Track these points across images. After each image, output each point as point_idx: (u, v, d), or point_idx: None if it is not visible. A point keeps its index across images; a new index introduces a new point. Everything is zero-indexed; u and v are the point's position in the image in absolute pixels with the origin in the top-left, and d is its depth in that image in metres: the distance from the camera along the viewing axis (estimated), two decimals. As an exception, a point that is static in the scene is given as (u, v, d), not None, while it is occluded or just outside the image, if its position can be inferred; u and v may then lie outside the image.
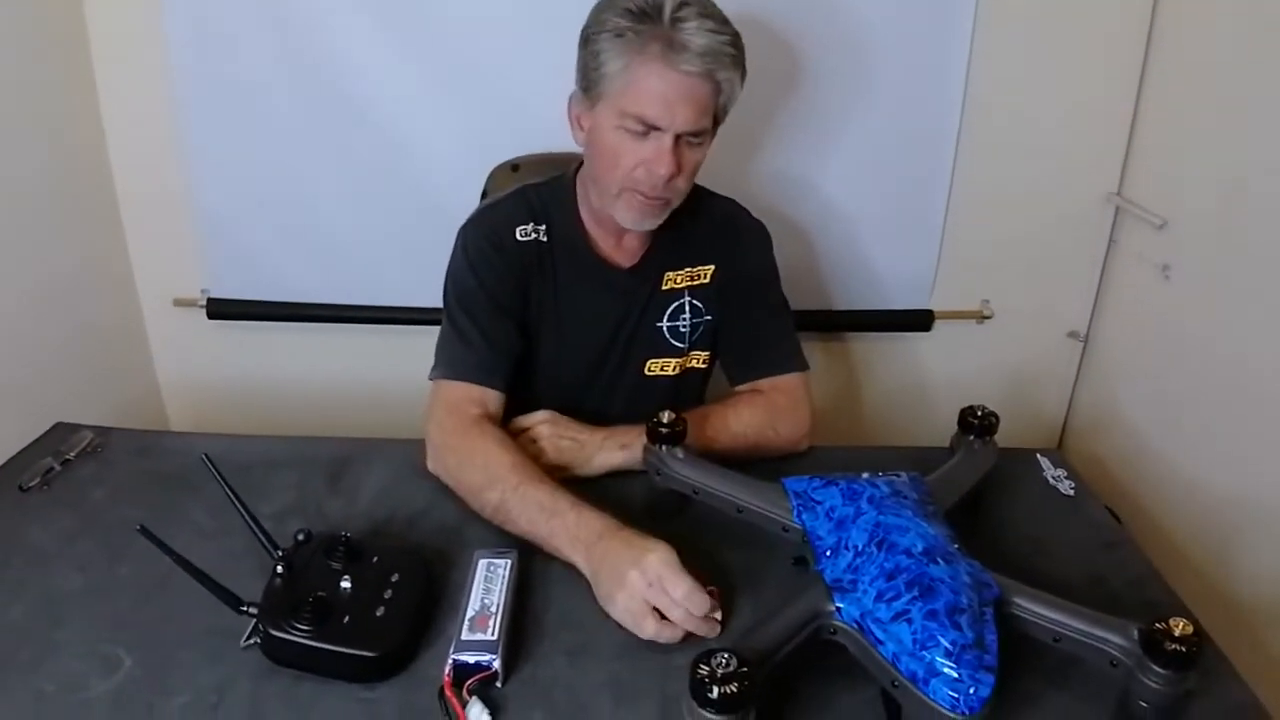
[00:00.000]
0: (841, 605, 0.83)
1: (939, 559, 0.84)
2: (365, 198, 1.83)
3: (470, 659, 0.87)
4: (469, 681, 0.86)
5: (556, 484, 1.09)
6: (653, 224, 1.24)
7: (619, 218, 1.23)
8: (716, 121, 1.20)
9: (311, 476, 1.21)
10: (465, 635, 0.89)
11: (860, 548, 0.87)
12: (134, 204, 1.90)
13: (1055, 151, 1.87)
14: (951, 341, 2.06)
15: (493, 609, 0.92)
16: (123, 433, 1.31)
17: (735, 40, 1.14)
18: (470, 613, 0.92)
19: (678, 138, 1.15)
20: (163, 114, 1.77)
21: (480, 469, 1.12)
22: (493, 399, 1.22)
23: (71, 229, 1.79)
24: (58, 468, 1.21)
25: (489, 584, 0.96)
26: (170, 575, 0.91)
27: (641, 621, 0.93)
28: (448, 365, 1.24)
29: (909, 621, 0.79)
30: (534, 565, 1.04)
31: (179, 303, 1.97)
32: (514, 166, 1.61)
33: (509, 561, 0.99)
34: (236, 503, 0.95)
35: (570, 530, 1.02)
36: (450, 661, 0.87)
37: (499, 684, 0.88)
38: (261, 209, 1.86)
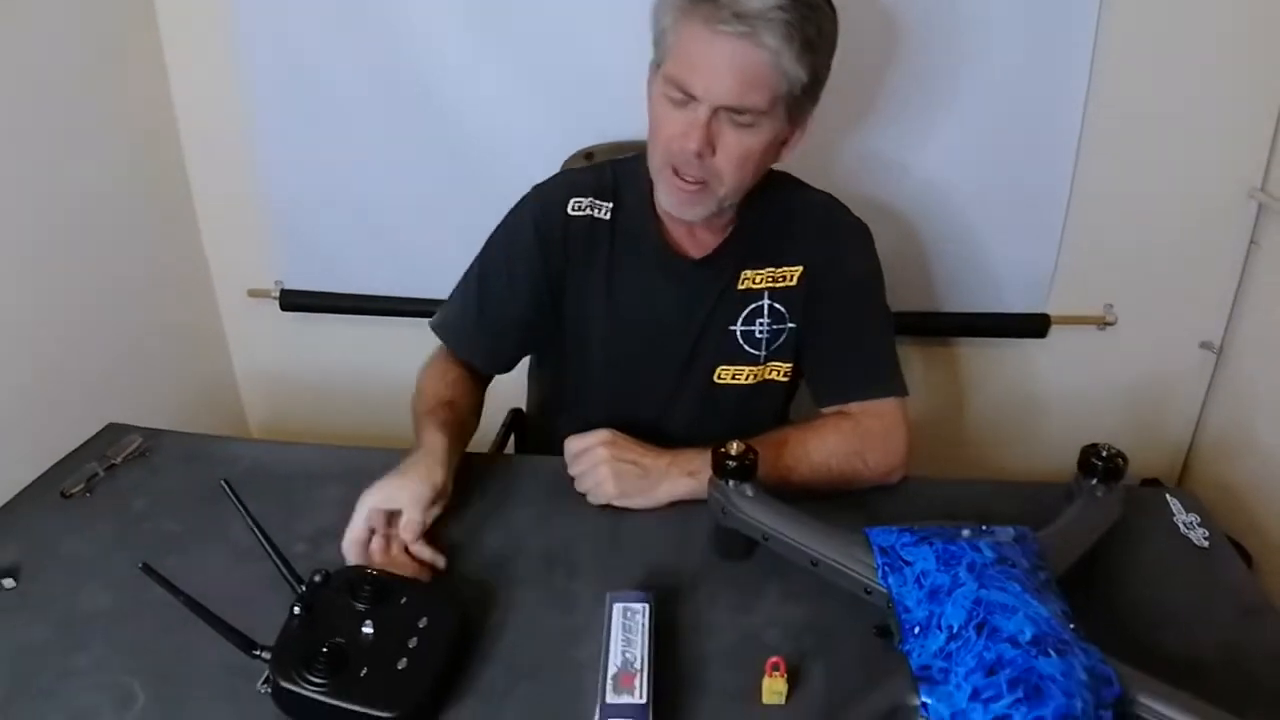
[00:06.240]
0: (929, 700, 0.69)
1: (1050, 649, 0.69)
2: (439, 189, 1.78)
3: None
4: None
5: (444, 421, 1.11)
6: (692, 213, 1.11)
7: (659, 199, 1.13)
8: (790, 109, 1.06)
9: (357, 492, 1.12)
10: (611, 698, 0.78)
11: (956, 629, 0.73)
12: (208, 196, 1.91)
13: (1191, 137, 1.66)
14: (1069, 350, 1.87)
15: (636, 665, 0.81)
16: (173, 435, 1.27)
17: (793, 5, 0.98)
18: (612, 670, 0.81)
19: (716, 111, 1.02)
20: (236, 106, 1.76)
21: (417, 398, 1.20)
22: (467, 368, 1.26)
23: (148, 222, 1.81)
24: (102, 473, 1.18)
25: (628, 634, 0.84)
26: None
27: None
28: (443, 320, 1.28)
29: (1011, 730, 0.65)
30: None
31: (253, 293, 1.97)
32: (588, 155, 1.53)
33: (647, 607, 0.87)
34: (258, 534, 0.87)
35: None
36: None
37: None
38: (335, 201, 1.83)
